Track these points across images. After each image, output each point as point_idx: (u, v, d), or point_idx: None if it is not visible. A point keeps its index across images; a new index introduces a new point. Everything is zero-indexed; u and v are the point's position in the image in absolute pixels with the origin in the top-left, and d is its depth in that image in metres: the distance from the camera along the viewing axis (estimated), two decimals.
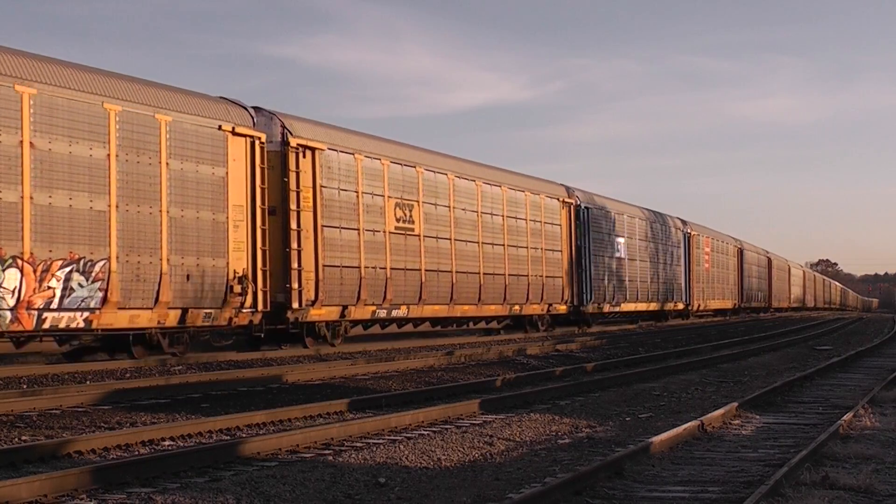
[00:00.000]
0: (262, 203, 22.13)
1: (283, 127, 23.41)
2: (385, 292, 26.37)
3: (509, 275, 33.01)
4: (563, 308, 37.11)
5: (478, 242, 31.33)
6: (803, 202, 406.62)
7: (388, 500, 8.14)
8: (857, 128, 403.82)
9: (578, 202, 38.92)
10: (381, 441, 11.07)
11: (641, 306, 45.85)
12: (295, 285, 23.13)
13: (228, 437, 11.14)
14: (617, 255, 42.46)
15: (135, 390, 15.15)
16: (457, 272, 29.89)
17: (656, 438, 10.49)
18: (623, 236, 43.48)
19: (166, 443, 10.79)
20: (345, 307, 24.93)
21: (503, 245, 32.92)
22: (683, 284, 52.76)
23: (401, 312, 27.32)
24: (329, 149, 24.57)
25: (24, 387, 15.79)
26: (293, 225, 23.21)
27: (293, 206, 23.20)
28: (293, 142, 23.34)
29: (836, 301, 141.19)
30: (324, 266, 24.05)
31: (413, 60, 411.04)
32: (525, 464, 9.84)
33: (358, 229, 25.47)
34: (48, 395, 14.14)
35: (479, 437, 11.34)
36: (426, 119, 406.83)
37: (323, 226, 24.17)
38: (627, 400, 15.44)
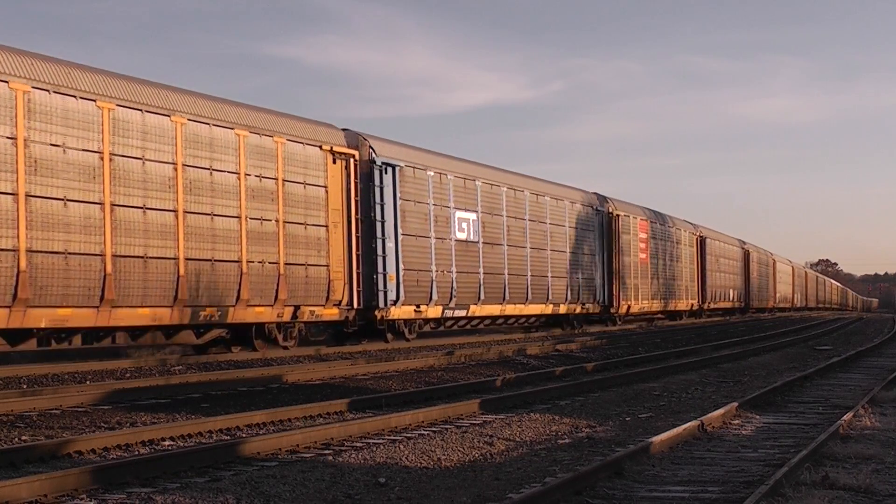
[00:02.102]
0: None
1: None
2: None
3: (190, 259, 20.35)
4: (331, 312, 24.33)
5: (101, 203, 18.60)
6: (803, 202, 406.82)
7: (388, 500, 8.14)
8: (858, 128, 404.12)
9: (372, 156, 26.02)
10: (381, 441, 11.07)
11: (513, 309, 33.28)
12: None
13: (228, 437, 11.14)
14: (458, 237, 29.87)
15: (135, 390, 15.16)
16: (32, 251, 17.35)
17: (656, 438, 10.49)
18: (474, 211, 30.96)
19: (166, 443, 10.79)
20: None
21: (175, 211, 20.08)
22: (600, 280, 40.33)
23: None
24: None
25: (24, 387, 15.80)
26: None
27: None
28: None
29: (835, 301, 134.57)
30: None
31: (414, 60, 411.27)
32: (525, 464, 9.84)
33: None
34: (48, 395, 14.15)
35: (479, 437, 11.34)
36: (427, 119, 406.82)
37: None
38: (627, 400, 15.44)
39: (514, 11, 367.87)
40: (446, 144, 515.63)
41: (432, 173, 28.97)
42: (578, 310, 38.44)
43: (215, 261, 21.11)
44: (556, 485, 8.13)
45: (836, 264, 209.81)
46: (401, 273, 26.86)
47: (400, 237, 26.95)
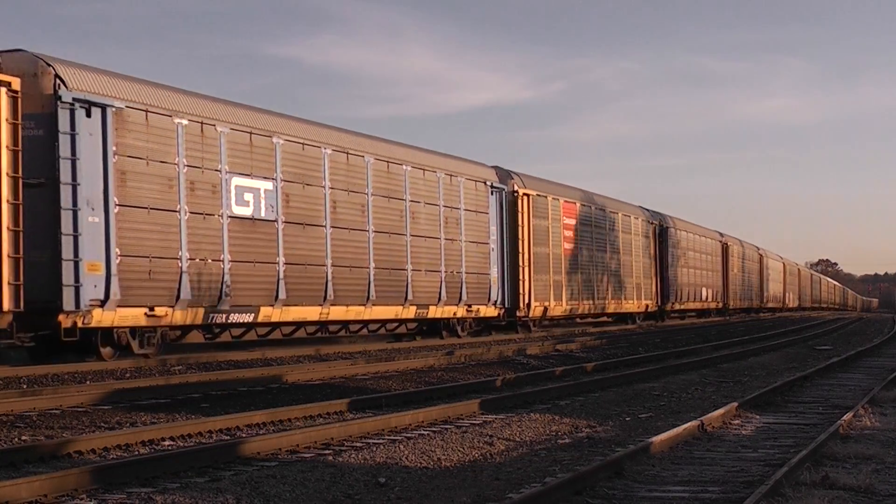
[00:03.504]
0: None
1: None
2: None
3: None
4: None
5: None
6: (803, 202, 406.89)
7: (388, 500, 8.14)
8: (859, 128, 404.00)
9: (58, 90, 18.46)
10: (381, 441, 11.07)
11: (344, 312, 24.96)
12: None
13: (228, 437, 11.14)
14: (237, 212, 21.76)
15: (135, 390, 15.16)
16: None
17: (656, 438, 10.49)
18: (269, 178, 22.70)
19: (166, 443, 10.79)
20: None
21: None
22: (498, 275, 32.06)
23: None
24: None
25: (24, 387, 15.80)
26: None
27: None
28: None
29: (832, 301, 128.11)
30: None
31: (414, 60, 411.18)
32: (525, 464, 9.84)
33: None
34: (48, 395, 14.15)
35: (479, 437, 11.34)
36: (427, 119, 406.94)
37: None
38: (627, 400, 15.44)
39: (514, 11, 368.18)
40: (448, 144, 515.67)
41: (186, 122, 20.79)
42: (461, 313, 30.19)
43: None
44: (556, 485, 8.13)
45: (836, 264, 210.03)
46: (114, 261, 19.00)
47: (114, 209, 19.05)
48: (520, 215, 33.65)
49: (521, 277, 33.37)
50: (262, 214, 22.45)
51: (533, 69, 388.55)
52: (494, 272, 31.99)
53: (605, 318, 43.64)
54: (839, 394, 16.64)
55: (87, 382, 16.47)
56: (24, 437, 11.11)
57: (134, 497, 8.05)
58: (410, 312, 27.75)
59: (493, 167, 33.56)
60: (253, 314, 22.21)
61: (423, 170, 28.83)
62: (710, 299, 57.03)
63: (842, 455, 10.25)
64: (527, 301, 33.69)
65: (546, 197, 35.89)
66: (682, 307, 51.70)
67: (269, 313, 22.63)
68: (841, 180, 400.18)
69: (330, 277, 24.41)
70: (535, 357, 24.03)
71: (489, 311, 31.83)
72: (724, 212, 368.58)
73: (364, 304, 25.72)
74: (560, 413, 13.60)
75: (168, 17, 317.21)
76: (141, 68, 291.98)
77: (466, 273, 30.47)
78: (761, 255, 74.08)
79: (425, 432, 11.75)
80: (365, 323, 27.05)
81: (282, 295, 22.85)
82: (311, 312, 24.01)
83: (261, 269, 22.37)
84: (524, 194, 34.05)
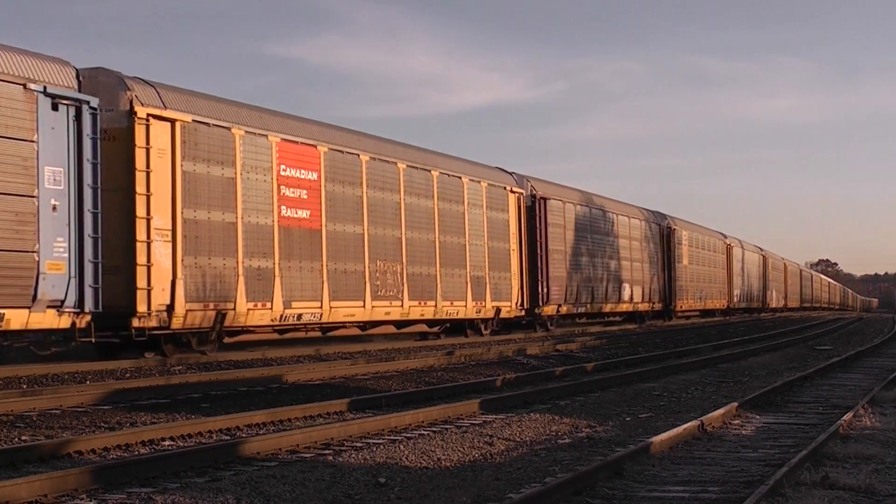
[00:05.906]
0: None
1: None
2: None
3: None
4: None
5: None
6: (803, 202, 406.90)
7: (388, 500, 8.14)
8: (860, 128, 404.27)
9: None
10: (381, 441, 11.07)
11: None
12: None
13: (228, 437, 11.14)
14: None
15: (135, 390, 15.15)
16: None
17: (656, 438, 10.49)
18: None
19: (166, 443, 10.79)
20: None
21: None
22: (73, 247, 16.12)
23: None
24: None
25: (24, 387, 15.79)
26: None
27: None
28: None
29: (830, 300, 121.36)
30: None
31: (416, 61, 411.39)
32: (525, 464, 9.84)
33: None
34: (48, 395, 14.15)
35: (479, 437, 11.34)
36: (429, 119, 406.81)
37: None
38: (627, 400, 15.44)
39: (516, 12, 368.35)
40: (449, 144, 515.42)
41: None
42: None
43: None
44: (556, 485, 8.13)
45: (836, 264, 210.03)
46: None
47: None
48: (177, 161, 19.52)
49: (129, 255, 18.73)
50: None
51: (535, 69, 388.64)
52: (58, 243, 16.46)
53: (419, 328, 30.28)
54: (839, 394, 16.64)
55: (87, 382, 16.47)
56: (24, 437, 11.11)
57: (134, 497, 8.05)
58: None
59: (112, 71, 18.97)
60: None
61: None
62: (639, 299, 44.58)
63: (842, 455, 10.25)
64: (145, 302, 19.10)
65: (256, 136, 21.71)
66: (583, 310, 39.23)
67: None
68: (841, 180, 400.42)
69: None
70: (535, 357, 24.02)
71: (40, 319, 16.37)
72: (724, 212, 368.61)
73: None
74: (560, 413, 13.60)
75: (169, 17, 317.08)
76: (142, 68, 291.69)
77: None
78: (728, 246, 60.75)
79: (425, 432, 11.75)
80: None
81: None
82: None
83: None
84: (175, 122, 19.50)
